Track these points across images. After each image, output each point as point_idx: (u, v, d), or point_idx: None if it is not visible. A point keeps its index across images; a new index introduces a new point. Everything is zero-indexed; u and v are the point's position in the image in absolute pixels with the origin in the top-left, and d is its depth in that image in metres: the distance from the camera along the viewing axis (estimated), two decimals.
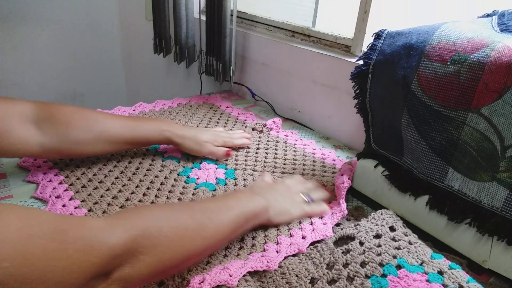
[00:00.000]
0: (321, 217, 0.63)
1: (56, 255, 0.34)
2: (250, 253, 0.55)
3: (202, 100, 1.15)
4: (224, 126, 0.98)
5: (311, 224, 0.61)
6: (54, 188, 0.66)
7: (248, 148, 0.87)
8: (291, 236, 0.58)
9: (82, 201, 0.64)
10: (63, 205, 0.62)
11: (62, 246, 0.35)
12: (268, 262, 0.52)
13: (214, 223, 0.49)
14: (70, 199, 0.64)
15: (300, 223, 0.61)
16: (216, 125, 0.98)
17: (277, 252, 0.54)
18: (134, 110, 1.01)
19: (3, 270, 0.31)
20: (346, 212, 0.63)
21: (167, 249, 0.44)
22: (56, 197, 0.64)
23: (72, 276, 0.35)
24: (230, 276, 0.49)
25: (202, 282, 0.48)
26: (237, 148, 0.85)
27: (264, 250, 0.55)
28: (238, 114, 1.08)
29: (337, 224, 0.63)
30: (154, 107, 1.05)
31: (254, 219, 0.56)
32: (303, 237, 0.58)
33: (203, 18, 1.23)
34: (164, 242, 0.44)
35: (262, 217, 0.58)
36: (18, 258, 0.32)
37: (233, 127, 0.98)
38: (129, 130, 0.71)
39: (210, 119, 1.02)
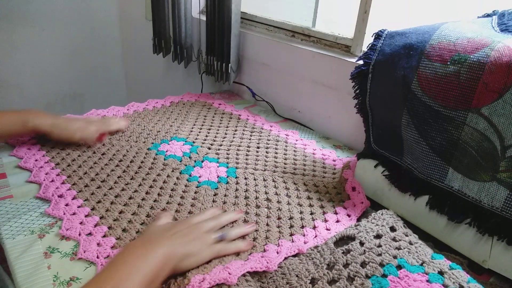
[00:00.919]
0: (326, 221, 0.64)
1: None
2: (251, 253, 0.55)
3: (194, 97, 1.15)
4: (220, 122, 0.99)
5: (314, 228, 0.61)
6: (56, 188, 0.66)
7: (248, 146, 0.87)
8: (292, 241, 0.58)
9: (85, 200, 0.64)
10: (66, 204, 0.62)
11: None
12: (267, 262, 0.52)
13: None
14: (73, 198, 0.64)
15: (302, 227, 0.61)
16: (211, 123, 0.99)
17: (277, 253, 0.55)
18: (128, 110, 1.02)
19: None
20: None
21: None
22: (59, 196, 0.64)
23: None
24: (230, 274, 0.49)
25: (202, 281, 0.48)
26: (229, 144, 0.86)
27: (265, 251, 0.55)
28: (232, 110, 1.08)
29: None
30: (147, 105, 1.05)
31: (158, 276, 0.47)
32: (305, 243, 0.58)
33: (203, 18, 1.23)
34: None
35: (167, 268, 0.48)
36: None
37: (228, 123, 0.99)
38: None
39: (205, 116, 1.02)
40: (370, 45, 0.66)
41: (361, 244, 0.55)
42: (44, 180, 0.68)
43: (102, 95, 1.99)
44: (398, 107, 0.61)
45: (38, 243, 0.55)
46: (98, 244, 0.55)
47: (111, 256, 0.53)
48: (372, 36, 0.67)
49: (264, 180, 0.74)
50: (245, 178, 0.74)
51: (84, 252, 0.53)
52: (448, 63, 0.54)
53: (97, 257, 0.53)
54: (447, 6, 0.81)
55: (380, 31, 0.66)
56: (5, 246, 0.54)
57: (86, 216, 0.60)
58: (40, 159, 0.74)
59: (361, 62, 0.67)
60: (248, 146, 0.87)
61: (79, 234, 0.56)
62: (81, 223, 0.59)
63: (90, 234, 0.57)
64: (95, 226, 0.58)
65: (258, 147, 0.87)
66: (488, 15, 0.62)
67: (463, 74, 0.52)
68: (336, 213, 0.66)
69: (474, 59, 0.51)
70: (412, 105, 0.58)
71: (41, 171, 0.71)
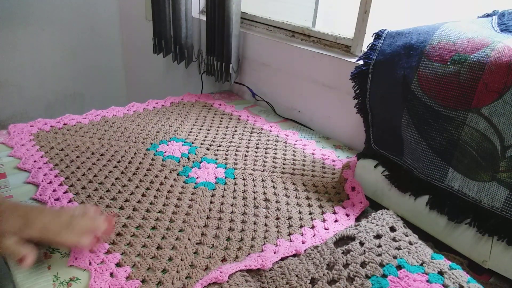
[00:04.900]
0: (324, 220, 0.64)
1: None
2: (249, 254, 0.55)
3: (195, 98, 1.15)
4: (220, 123, 0.99)
5: (312, 228, 0.61)
6: (54, 190, 0.66)
7: (248, 147, 0.87)
8: (290, 241, 0.58)
9: (81, 203, 0.64)
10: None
11: None
12: (262, 261, 0.52)
13: None
14: (69, 201, 0.64)
15: (301, 227, 0.61)
16: (211, 123, 0.98)
17: (274, 253, 0.54)
18: (128, 110, 1.02)
19: None
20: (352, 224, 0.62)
21: None
22: (55, 199, 0.63)
23: None
24: (221, 273, 0.49)
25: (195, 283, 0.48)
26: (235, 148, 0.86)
27: (262, 251, 0.55)
28: (232, 111, 1.08)
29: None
30: (147, 106, 1.05)
31: None
32: (303, 242, 0.58)
33: (203, 18, 1.23)
34: None
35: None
36: None
37: (228, 124, 0.99)
38: None
39: (205, 117, 1.02)
40: (370, 45, 0.66)
41: (361, 244, 0.55)
42: (42, 181, 0.68)
43: (102, 95, 1.99)
44: (398, 107, 0.61)
45: None
46: (90, 250, 0.53)
47: (105, 261, 0.52)
48: (372, 36, 0.67)
49: (263, 180, 0.74)
50: (244, 179, 0.74)
51: (76, 259, 0.52)
52: (448, 63, 0.53)
53: (90, 264, 0.51)
54: (447, 6, 0.81)
55: (380, 31, 0.66)
56: None
57: None
58: (38, 160, 0.74)
59: (361, 62, 0.67)
60: (247, 147, 0.87)
61: None
62: None
63: None
64: None
65: (257, 148, 0.87)
66: (488, 15, 0.62)
67: (463, 74, 0.52)
68: (334, 212, 0.65)
69: (474, 59, 0.51)
70: (412, 105, 0.58)
71: (40, 172, 0.70)
